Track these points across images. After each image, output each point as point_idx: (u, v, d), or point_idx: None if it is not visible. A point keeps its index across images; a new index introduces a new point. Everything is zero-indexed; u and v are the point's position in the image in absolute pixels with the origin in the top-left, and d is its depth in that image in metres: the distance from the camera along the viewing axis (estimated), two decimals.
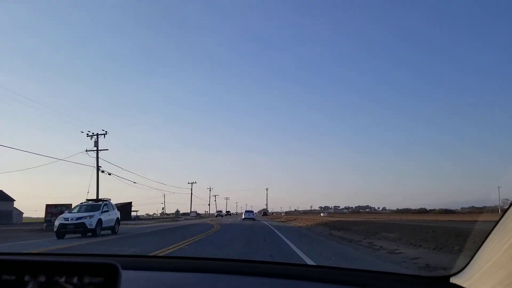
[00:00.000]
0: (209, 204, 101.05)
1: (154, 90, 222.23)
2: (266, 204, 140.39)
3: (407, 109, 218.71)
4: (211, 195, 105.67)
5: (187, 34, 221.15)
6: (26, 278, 0.56)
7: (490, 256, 0.93)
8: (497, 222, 0.94)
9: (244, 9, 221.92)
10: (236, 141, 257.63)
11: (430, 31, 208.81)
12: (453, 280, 1.11)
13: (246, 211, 52.19)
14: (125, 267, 1.27)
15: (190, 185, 79.19)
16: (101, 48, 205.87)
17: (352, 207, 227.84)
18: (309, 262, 7.92)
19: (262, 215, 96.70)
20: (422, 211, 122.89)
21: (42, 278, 0.56)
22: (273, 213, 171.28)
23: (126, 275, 1.15)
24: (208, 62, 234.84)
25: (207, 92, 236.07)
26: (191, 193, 74.31)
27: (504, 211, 0.92)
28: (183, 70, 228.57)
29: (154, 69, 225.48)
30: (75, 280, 0.56)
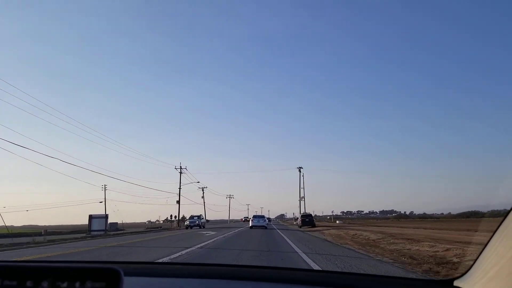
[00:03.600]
0: (203, 204, 73.17)
1: (170, 95, 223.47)
2: (302, 199, 62.42)
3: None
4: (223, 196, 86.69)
5: (199, 38, 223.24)
6: (28, 283, 0.56)
7: (496, 260, 0.91)
8: (500, 223, 0.94)
9: (254, 13, 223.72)
10: (248, 145, 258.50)
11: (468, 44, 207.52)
12: (456, 283, 1.10)
13: (255, 217, 36.09)
14: (128, 274, 1.27)
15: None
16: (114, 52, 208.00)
17: (376, 212, 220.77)
18: None
19: (301, 226, 42.11)
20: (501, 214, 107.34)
21: (45, 284, 0.56)
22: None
23: (129, 282, 1.15)
24: (221, 67, 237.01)
25: (218, 96, 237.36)
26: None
27: (507, 213, 0.91)
28: (195, 75, 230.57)
29: (168, 74, 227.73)
30: (77, 285, 0.55)
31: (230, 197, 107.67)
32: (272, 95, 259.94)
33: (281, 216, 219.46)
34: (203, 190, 74.84)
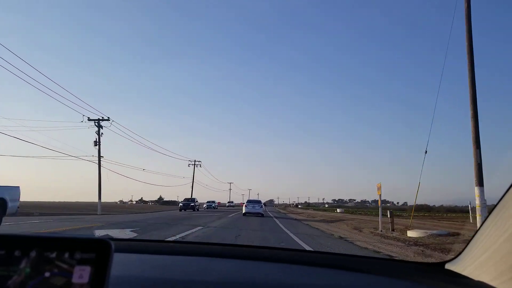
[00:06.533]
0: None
1: (158, 77, 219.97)
2: None
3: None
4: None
5: (195, 23, 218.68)
6: (16, 253, 0.55)
7: (488, 244, 0.91)
8: (493, 208, 0.94)
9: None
10: (240, 131, 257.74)
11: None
12: (448, 266, 1.11)
13: (250, 201, 31.87)
14: (119, 250, 1.27)
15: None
16: (102, 33, 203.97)
17: (368, 201, 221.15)
18: None
19: None
20: None
21: (33, 254, 0.55)
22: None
23: (119, 258, 1.15)
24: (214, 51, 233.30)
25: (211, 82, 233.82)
26: None
27: (500, 198, 0.91)
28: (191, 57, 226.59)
29: (157, 55, 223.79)
30: (66, 255, 0.55)
31: (195, 164, 62.06)
32: (262, 80, 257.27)
33: (271, 202, 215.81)
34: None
